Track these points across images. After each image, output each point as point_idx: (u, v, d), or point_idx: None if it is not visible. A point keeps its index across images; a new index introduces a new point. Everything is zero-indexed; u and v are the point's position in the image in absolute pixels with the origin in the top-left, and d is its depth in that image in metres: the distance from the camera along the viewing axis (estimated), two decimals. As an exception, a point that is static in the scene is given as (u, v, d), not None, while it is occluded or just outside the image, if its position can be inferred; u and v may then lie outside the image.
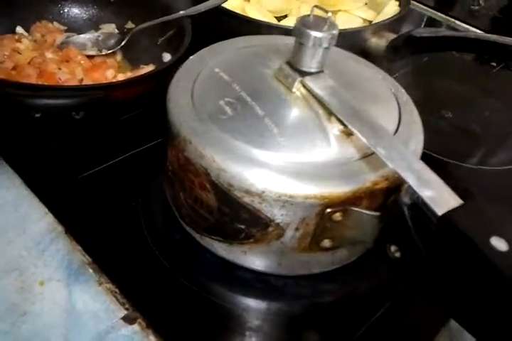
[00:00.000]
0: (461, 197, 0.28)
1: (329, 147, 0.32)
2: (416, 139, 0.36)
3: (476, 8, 0.92)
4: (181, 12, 0.52)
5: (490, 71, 0.72)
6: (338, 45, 0.59)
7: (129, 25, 0.58)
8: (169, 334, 0.36)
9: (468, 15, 0.89)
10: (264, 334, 0.37)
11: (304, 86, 0.34)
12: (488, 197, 0.50)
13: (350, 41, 0.59)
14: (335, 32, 0.32)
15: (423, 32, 0.59)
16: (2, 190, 0.43)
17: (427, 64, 0.70)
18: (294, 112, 0.34)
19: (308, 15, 0.32)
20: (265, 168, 0.31)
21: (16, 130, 0.46)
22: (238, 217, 0.34)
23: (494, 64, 0.73)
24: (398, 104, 0.38)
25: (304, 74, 0.34)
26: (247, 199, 0.32)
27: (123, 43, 0.54)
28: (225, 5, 0.59)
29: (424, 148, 0.36)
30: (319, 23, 0.32)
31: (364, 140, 0.30)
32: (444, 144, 0.56)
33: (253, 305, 0.38)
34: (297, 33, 0.32)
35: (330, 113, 0.33)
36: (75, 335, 0.35)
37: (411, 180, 0.29)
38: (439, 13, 0.88)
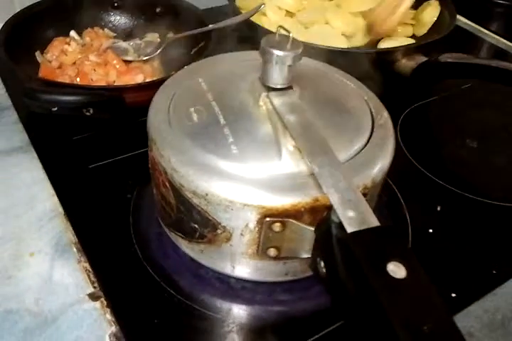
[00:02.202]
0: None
1: (279, 160, 0.34)
2: (381, 163, 0.36)
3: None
4: (210, 26, 0.56)
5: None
6: (365, 62, 0.60)
7: (170, 35, 0.63)
8: (125, 316, 0.39)
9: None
10: (209, 332, 0.39)
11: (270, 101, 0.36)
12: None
13: (380, 61, 0.59)
14: (298, 50, 0.34)
15: (449, 57, 0.57)
16: (24, 172, 0.50)
17: (468, 90, 0.67)
18: (254, 125, 0.36)
19: (274, 34, 0.34)
20: (211, 173, 0.33)
21: (44, 123, 0.53)
22: (191, 216, 0.36)
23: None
24: (372, 125, 0.38)
25: (271, 89, 0.36)
26: (196, 201, 0.35)
27: (158, 51, 0.60)
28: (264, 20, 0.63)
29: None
30: (283, 42, 0.34)
31: (303, 156, 0.32)
32: (460, 173, 0.55)
33: (208, 302, 0.41)
34: (262, 51, 0.34)
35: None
36: (45, 301, 0.40)
37: (333, 197, 0.29)
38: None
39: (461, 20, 0.89)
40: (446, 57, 0.55)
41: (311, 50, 0.56)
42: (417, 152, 0.56)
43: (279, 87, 0.36)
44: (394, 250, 0.27)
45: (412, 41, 0.68)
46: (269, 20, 0.66)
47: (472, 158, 0.57)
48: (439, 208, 0.50)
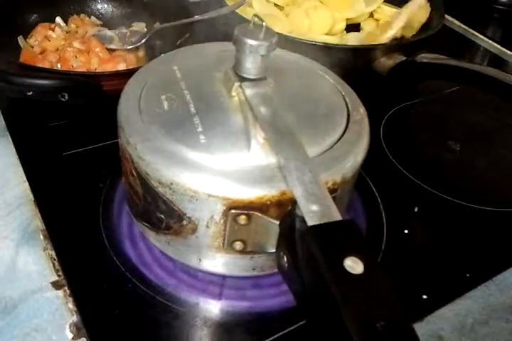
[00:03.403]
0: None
1: (248, 152, 0.33)
2: (353, 159, 0.35)
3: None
4: (196, 17, 0.56)
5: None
6: (344, 58, 0.59)
7: (157, 25, 0.63)
8: (87, 306, 0.38)
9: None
10: (172, 325, 0.38)
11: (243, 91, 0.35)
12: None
13: (359, 58, 0.59)
14: (272, 40, 0.33)
15: (425, 58, 0.57)
16: (-3, 157, 0.49)
17: (454, 93, 0.67)
18: (225, 115, 0.35)
19: (249, 23, 0.34)
20: (177, 162, 0.32)
21: (21, 109, 0.52)
22: (158, 206, 0.36)
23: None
24: (348, 120, 0.38)
25: (244, 79, 0.35)
26: (161, 190, 0.34)
27: (143, 41, 0.59)
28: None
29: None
30: (257, 31, 0.33)
31: (271, 148, 0.31)
32: (440, 176, 0.54)
33: (173, 295, 0.40)
34: (235, 40, 0.34)
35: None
36: (6, 288, 0.39)
37: (296, 191, 0.29)
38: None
39: (455, 23, 0.88)
40: (423, 58, 0.54)
41: (289, 43, 0.56)
42: (398, 153, 0.56)
43: (252, 77, 0.35)
44: (352, 245, 0.26)
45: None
46: (254, 9, 0.66)
47: (453, 161, 0.57)
48: (416, 209, 0.50)
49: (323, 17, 0.65)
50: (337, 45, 0.61)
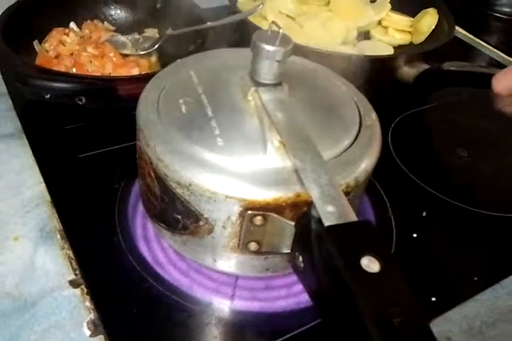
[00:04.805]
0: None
1: (264, 155, 0.34)
2: (365, 163, 0.36)
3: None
4: (209, 23, 0.57)
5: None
6: (368, 69, 0.60)
7: (169, 31, 0.64)
8: (104, 305, 0.39)
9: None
10: (186, 324, 0.39)
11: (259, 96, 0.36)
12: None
13: (381, 67, 0.60)
14: (288, 46, 0.34)
15: (452, 65, 0.58)
16: (14, 158, 0.50)
17: (463, 100, 0.68)
18: (242, 119, 0.36)
19: (267, 31, 0.35)
20: (196, 164, 0.33)
21: (38, 111, 0.53)
22: (175, 207, 0.36)
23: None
24: (360, 125, 0.39)
25: (260, 84, 0.36)
26: (179, 191, 0.35)
27: (156, 46, 0.60)
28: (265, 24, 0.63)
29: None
30: (274, 37, 0.34)
31: (287, 150, 0.32)
32: (448, 181, 0.55)
33: (188, 294, 0.41)
34: (252, 46, 0.35)
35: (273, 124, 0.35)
36: (25, 286, 0.40)
37: (313, 192, 0.30)
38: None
39: (460, 31, 0.90)
40: (450, 65, 0.55)
41: (305, 52, 0.57)
42: (406, 158, 0.57)
43: (268, 82, 0.36)
44: (369, 244, 0.27)
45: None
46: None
47: (461, 167, 0.57)
48: (424, 214, 0.50)
49: (338, 27, 0.66)
50: (361, 55, 0.62)
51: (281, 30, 0.34)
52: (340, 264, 0.26)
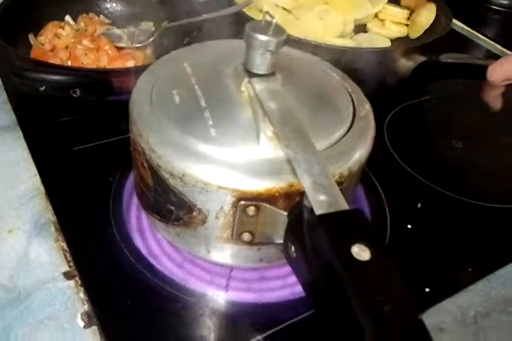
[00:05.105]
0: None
1: (257, 145, 0.34)
2: (359, 153, 0.36)
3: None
4: (203, 15, 0.57)
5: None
6: (365, 62, 0.60)
7: (165, 24, 0.64)
8: (98, 296, 0.39)
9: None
10: (181, 315, 0.39)
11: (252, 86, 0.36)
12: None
13: (378, 60, 0.60)
14: (282, 36, 0.34)
15: (449, 57, 0.58)
16: (8, 151, 0.50)
17: (458, 92, 0.68)
18: (235, 109, 0.36)
19: (260, 21, 0.35)
20: (188, 154, 0.33)
21: (32, 104, 0.53)
22: (168, 198, 0.36)
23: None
24: (353, 116, 0.39)
25: (253, 75, 0.36)
26: (172, 182, 0.35)
27: (151, 39, 0.60)
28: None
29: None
30: (267, 28, 0.34)
31: (279, 141, 0.32)
32: (443, 172, 0.55)
33: (182, 285, 0.41)
34: (246, 36, 0.35)
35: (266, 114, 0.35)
36: (19, 278, 0.40)
37: (305, 181, 0.30)
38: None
39: (457, 24, 0.89)
40: (447, 58, 0.55)
41: (301, 45, 0.57)
42: (402, 149, 0.57)
43: (261, 72, 0.36)
44: (360, 232, 0.27)
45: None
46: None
47: (456, 158, 0.57)
48: (419, 205, 0.51)
49: (335, 20, 0.66)
50: (358, 48, 0.62)
51: (274, 21, 0.34)
52: (331, 252, 0.26)
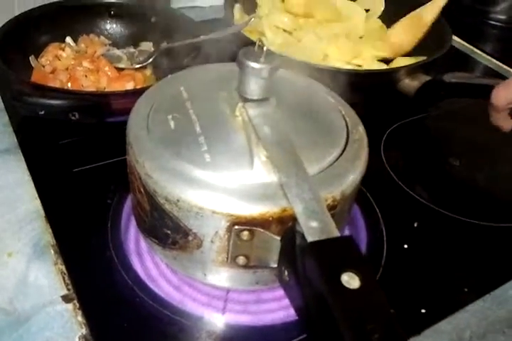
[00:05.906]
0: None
1: (251, 170, 0.35)
2: (352, 177, 0.37)
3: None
4: (202, 36, 0.58)
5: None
6: (368, 83, 0.60)
7: (164, 45, 0.65)
8: (96, 319, 0.40)
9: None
10: (178, 338, 0.39)
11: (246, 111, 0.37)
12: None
13: (381, 81, 0.60)
14: (273, 64, 0.35)
15: (453, 77, 0.58)
16: (9, 173, 0.51)
17: (456, 110, 0.68)
18: (229, 134, 0.36)
19: (253, 47, 0.35)
20: (183, 180, 0.34)
21: (32, 127, 0.54)
22: (164, 222, 0.37)
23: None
24: (347, 139, 0.39)
25: (247, 100, 0.37)
26: (168, 207, 0.35)
27: (150, 60, 0.61)
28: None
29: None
30: (260, 54, 0.35)
31: (272, 166, 0.33)
32: (440, 191, 0.55)
33: (179, 308, 0.41)
34: (238, 63, 0.35)
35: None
36: (18, 301, 0.40)
37: (297, 207, 0.30)
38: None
39: (456, 40, 0.90)
40: (451, 77, 0.56)
41: (301, 67, 0.57)
42: (398, 168, 0.57)
43: (255, 98, 0.37)
44: (350, 261, 0.27)
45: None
46: (267, 39, 0.67)
47: (453, 177, 0.58)
48: (416, 224, 0.51)
49: (345, 47, 0.66)
50: (363, 70, 0.62)
51: (265, 47, 0.34)
52: (321, 280, 0.26)
